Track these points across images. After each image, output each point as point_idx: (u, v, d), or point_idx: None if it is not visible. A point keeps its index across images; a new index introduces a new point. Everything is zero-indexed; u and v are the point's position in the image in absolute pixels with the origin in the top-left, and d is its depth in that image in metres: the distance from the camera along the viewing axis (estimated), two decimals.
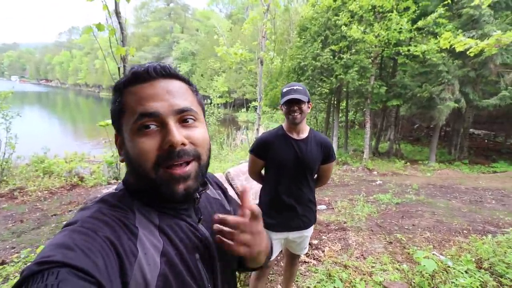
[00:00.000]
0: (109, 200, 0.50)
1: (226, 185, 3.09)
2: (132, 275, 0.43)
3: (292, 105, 1.52)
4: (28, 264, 0.41)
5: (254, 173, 1.80)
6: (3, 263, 3.02)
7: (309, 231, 1.77)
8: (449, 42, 3.55)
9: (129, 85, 0.51)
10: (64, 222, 0.49)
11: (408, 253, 2.78)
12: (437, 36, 7.97)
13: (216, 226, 0.51)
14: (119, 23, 2.13)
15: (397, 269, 2.55)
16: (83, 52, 64.01)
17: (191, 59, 38.32)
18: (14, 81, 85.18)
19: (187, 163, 0.50)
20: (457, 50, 3.41)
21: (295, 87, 1.55)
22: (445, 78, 8.18)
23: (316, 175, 1.75)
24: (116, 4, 2.15)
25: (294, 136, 1.61)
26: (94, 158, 9.68)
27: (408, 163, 9.80)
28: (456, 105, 8.23)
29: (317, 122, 16.79)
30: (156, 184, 0.49)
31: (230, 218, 0.50)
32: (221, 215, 0.51)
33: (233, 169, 3.30)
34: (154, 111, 0.48)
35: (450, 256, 2.60)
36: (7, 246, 3.45)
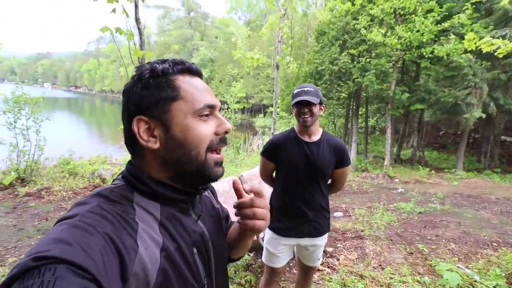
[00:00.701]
0: (108, 195, 0.49)
1: None
2: (132, 271, 0.43)
3: (302, 107, 1.48)
4: (23, 258, 0.38)
5: (265, 176, 1.77)
6: None
7: (322, 240, 1.67)
8: (475, 44, 3.35)
9: (180, 74, 0.54)
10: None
11: (430, 265, 2.61)
12: (463, 38, 7.62)
13: (237, 210, 0.59)
14: (138, 28, 2.21)
15: (417, 281, 2.40)
16: (109, 60, 67.39)
17: (210, 66, 39.17)
18: (46, 88, 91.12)
19: (220, 150, 0.58)
20: (484, 51, 3.21)
21: (306, 88, 1.50)
22: (472, 82, 7.72)
23: (330, 181, 1.68)
24: (136, 11, 2.23)
25: (306, 138, 1.57)
26: (116, 160, 10.05)
27: (433, 171, 9.30)
28: (483, 115, 7.72)
29: (335, 128, 16.46)
30: (204, 166, 0.54)
31: (248, 197, 0.59)
32: (237, 201, 0.59)
33: (247, 173, 3.28)
34: (215, 104, 0.56)
35: (477, 270, 2.41)
36: (32, 243, 3.63)
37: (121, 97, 0.55)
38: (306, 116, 1.48)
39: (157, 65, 0.53)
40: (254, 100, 30.17)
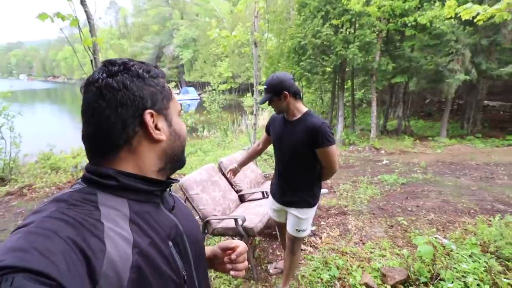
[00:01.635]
0: (67, 199, 0.47)
1: (219, 175, 3.02)
2: (101, 272, 0.42)
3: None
4: None
5: (256, 144, 2.16)
6: None
7: (296, 212, 1.80)
8: (454, 10, 3.22)
9: (163, 79, 0.61)
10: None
11: (410, 237, 2.67)
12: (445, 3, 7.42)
13: (229, 265, 0.71)
14: (85, 11, 1.99)
15: (396, 254, 2.46)
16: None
17: (193, 46, 37.64)
18: (23, 80, 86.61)
19: None
20: (463, 18, 3.09)
21: (264, 87, 1.70)
22: (454, 48, 7.62)
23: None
24: None
25: (289, 117, 1.75)
26: None
27: (418, 140, 9.45)
28: (467, 77, 7.71)
29: (323, 103, 16.37)
30: (183, 155, 0.63)
31: (237, 253, 0.69)
32: (232, 256, 0.69)
33: (226, 158, 3.21)
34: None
35: (454, 239, 2.48)
36: None
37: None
38: (274, 110, 1.75)
39: (150, 67, 0.58)
40: (241, 79, 29.51)
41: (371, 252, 2.52)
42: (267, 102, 1.69)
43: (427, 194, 3.89)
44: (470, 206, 3.32)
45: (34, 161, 7.35)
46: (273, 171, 2.00)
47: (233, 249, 0.70)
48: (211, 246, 0.79)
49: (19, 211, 4.87)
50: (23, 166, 6.86)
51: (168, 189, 0.62)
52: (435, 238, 2.47)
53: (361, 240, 2.75)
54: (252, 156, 2.22)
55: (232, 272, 0.70)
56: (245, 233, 2.28)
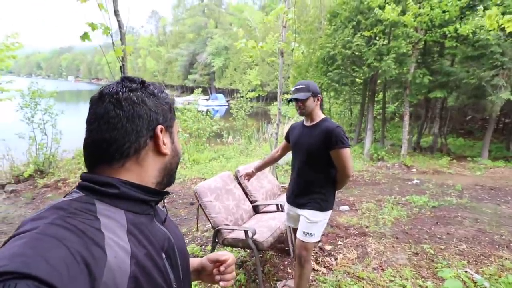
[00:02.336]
0: (66, 208, 0.47)
1: (234, 183, 2.99)
2: (101, 281, 0.42)
3: (296, 102, 1.84)
4: None
5: (275, 151, 2.32)
6: None
7: (306, 213, 1.85)
8: (497, 21, 2.93)
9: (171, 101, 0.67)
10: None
11: (436, 268, 2.42)
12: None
13: (217, 276, 0.73)
14: (118, 21, 2.11)
15: (419, 286, 2.23)
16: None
17: (225, 54, 38.74)
18: (71, 81, 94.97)
19: None
20: (508, 30, 2.80)
21: (298, 86, 1.85)
22: (499, 61, 6.95)
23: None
24: (115, 2, 2.13)
25: (307, 123, 1.91)
26: None
27: (455, 160, 8.71)
28: (511, 97, 6.99)
29: (351, 115, 15.84)
30: (175, 172, 0.67)
31: (226, 265, 0.73)
32: (221, 268, 0.73)
33: (243, 167, 3.18)
34: None
35: (488, 275, 2.19)
36: None
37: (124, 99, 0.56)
38: (300, 109, 1.86)
39: (162, 88, 0.64)
40: (269, 88, 29.68)
41: (391, 281, 2.31)
42: (296, 101, 1.82)
43: (460, 221, 3.52)
44: (511, 239, 2.94)
45: (71, 157, 7.92)
46: None
47: (223, 261, 0.73)
48: (197, 258, 0.80)
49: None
50: (61, 161, 7.41)
51: (161, 201, 0.65)
52: (465, 272, 2.20)
53: (380, 266, 2.54)
54: (270, 162, 2.37)
55: (221, 283, 0.73)
56: (254, 246, 2.22)
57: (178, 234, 0.67)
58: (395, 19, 7.05)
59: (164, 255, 0.57)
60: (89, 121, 0.55)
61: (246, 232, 2.23)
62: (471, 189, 5.38)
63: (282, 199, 3.08)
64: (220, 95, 33.32)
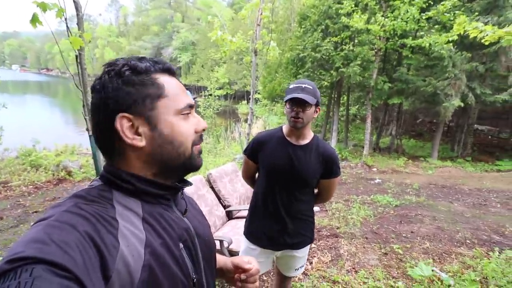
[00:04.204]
0: (85, 196, 0.49)
1: (207, 187, 2.82)
2: (114, 268, 0.42)
3: (296, 106, 1.29)
4: None
5: (247, 177, 1.63)
6: None
7: (303, 252, 1.53)
8: (463, 28, 3.18)
9: (160, 73, 0.54)
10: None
11: (405, 267, 2.52)
12: (445, 27, 7.52)
13: (239, 283, 0.70)
14: (74, 2, 1.81)
15: (391, 286, 2.29)
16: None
17: (192, 49, 37.62)
18: (15, 70, 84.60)
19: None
20: (471, 36, 3.06)
21: (303, 85, 1.30)
22: (452, 73, 7.72)
23: (316, 190, 1.52)
24: None
25: (293, 141, 1.39)
26: (87, 150, 9.42)
27: (410, 160, 9.47)
28: (461, 103, 7.81)
29: (317, 117, 16.38)
30: (190, 158, 0.57)
31: (248, 274, 0.70)
32: (242, 276, 0.70)
33: (215, 170, 3.02)
34: (193, 104, 0.59)
35: (452, 273, 2.34)
36: None
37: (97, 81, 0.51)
38: (298, 117, 1.29)
39: (137, 62, 0.52)
40: (237, 86, 29.48)
41: (364, 283, 2.35)
42: (296, 104, 1.29)
43: (421, 219, 3.77)
44: (466, 235, 3.20)
45: (15, 156, 6.99)
46: None
47: (246, 270, 0.69)
48: (224, 257, 0.77)
49: None
50: (1, 161, 6.51)
51: (180, 192, 0.62)
52: (432, 271, 2.32)
53: (353, 268, 2.58)
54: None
55: None
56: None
57: (202, 224, 0.65)
58: (362, 27, 7.39)
59: (181, 245, 0.55)
60: None
61: (221, 241, 2.10)
62: (426, 187, 5.83)
63: None
64: (187, 92, 32.30)
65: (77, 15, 1.85)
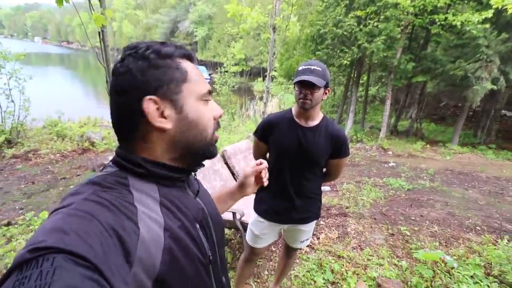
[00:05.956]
0: (101, 182, 0.48)
1: (222, 163, 2.94)
2: (136, 254, 0.43)
3: (304, 88, 1.31)
4: (20, 251, 0.37)
5: (257, 158, 1.65)
6: (8, 224, 3.14)
7: (309, 226, 1.64)
8: (503, 1, 2.97)
9: (182, 58, 0.55)
10: (62, 197, 0.48)
11: (410, 249, 2.59)
12: (481, 2, 6.93)
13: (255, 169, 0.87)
14: None
15: (395, 264, 2.39)
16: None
17: (208, 23, 36.75)
18: (37, 42, 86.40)
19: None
20: (509, 12, 2.85)
21: (312, 67, 1.30)
22: (484, 54, 7.18)
23: (324, 169, 1.57)
24: None
25: (302, 122, 1.42)
26: (108, 122, 9.80)
27: (428, 145, 9.21)
28: (494, 86, 7.32)
29: (334, 96, 15.98)
30: (209, 146, 0.58)
31: (263, 166, 0.88)
32: (263, 173, 0.89)
33: (231, 147, 3.12)
34: (211, 90, 0.59)
35: (457, 256, 2.39)
36: (17, 207, 3.59)
37: (115, 54, 0.44)
38: (306, 100, 1.31)
39: (161, 46, 0.52)
40: (253, 63, 28.91)
41: (369, 260, 2.45)
42: (305, 86, 1.31)
43: (432, 204, 3.77)
44: (477, 222, 3.20)
45: (42, 126, 7.39)
46: None
47: (262, 169, 0.87)
48: (227, 186, 0.91)
49: (23, 175, 4.93)
50: (30, 130, 6.91)
51: (193, 173, 0.63)
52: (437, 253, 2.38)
53: (359, 246, 2.68)
54: None
55: (266, 182, 0.91)
56: (242, 228, 2.23)
57: (212, 205, 0.68)
58: (390, 1, 6.94)
59: (198, 226, 0.57)
60: None
61: (234, 213, 2.23)
62: (442, 173, 5.74)
63: None
64: (203, 68, 31.99)
65: None
